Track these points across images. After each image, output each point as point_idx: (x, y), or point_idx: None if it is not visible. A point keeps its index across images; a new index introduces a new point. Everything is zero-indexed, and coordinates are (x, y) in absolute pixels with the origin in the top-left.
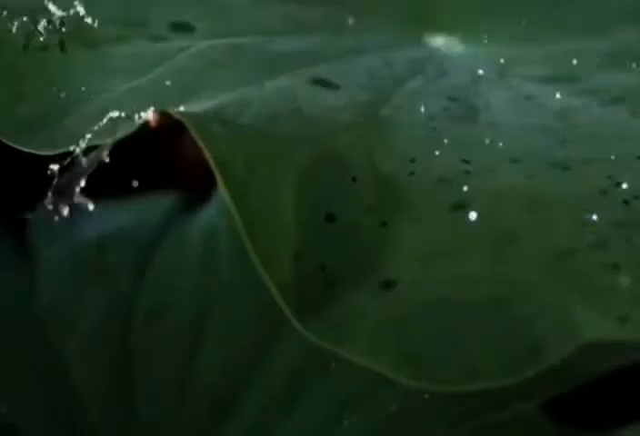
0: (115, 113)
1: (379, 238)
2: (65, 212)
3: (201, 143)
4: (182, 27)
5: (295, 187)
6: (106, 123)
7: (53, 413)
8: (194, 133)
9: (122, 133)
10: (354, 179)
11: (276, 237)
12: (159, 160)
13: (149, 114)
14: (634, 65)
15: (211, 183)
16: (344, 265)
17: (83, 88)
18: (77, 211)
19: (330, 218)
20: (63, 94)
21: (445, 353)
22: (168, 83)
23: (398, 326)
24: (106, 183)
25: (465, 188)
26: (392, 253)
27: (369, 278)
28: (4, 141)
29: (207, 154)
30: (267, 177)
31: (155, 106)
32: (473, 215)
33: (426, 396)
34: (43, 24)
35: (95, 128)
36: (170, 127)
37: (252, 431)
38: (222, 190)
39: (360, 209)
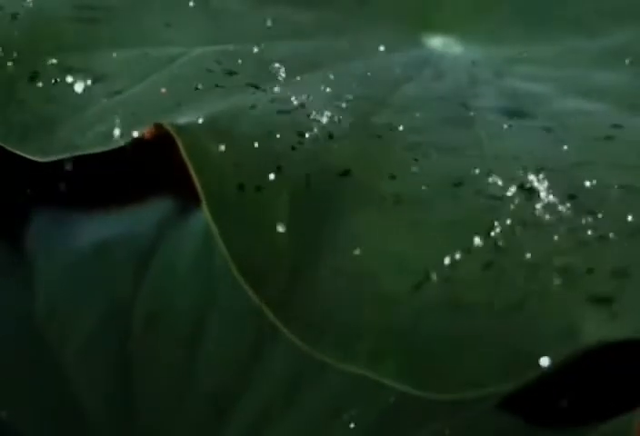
0: (109, 123)
1: (377, 248)
2: (63, 218)
3: (190, 167)
4: (177, 33)
5: (288, 208)
6: (101, 133)
7: (53, 417)
8: (185, 155)
9: (115, 144)
10: (351, 191)
11: (269, 258)
12: (154, 163)
13: (143, 128)
14: (631, 65)
15: None
16: (340, 281)
17: (77, 96)
18: (75, 217)
19: (325, 234)
20: (56, 102)
21: (445, 361)
22: (163, 90)
23: (398, 335)
24: (103, 190)
25: (465, 193)
26: (390, 263)
27: (368, 290)
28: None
29: (196, 179)
30: (259, 201)
31: (149, 115)
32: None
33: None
34: None
35: (90, 137)
36: (165, 133)
37: (252, 429)
38: (208, 219)
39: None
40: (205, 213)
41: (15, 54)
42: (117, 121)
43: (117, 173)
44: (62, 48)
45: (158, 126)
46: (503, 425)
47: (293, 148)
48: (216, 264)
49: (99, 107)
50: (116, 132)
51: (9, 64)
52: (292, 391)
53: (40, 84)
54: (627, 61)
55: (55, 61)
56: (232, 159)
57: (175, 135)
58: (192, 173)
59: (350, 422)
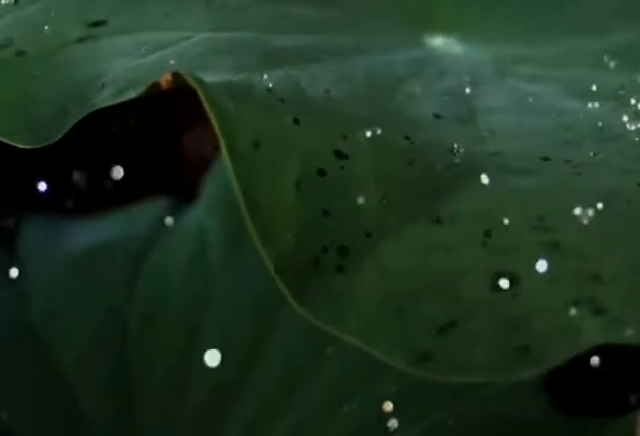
0: (121, 83)
1: (380, 224)
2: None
3: (211, 113)
4: (182, 22)
5: (299, 168)
6: (113, 90)
7: (53, 418)
8: (206, 105)
9: (132, 94)
10: (356, 167)
11: (277, 215)
12: (147, 165)
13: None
14: (631, 65)
15: (198, 184)
16: (344, 247)
17: (84, 75)
18: (68, 220)
19: (332, 200)
20: (64, 83)
21: (443, 345)
22: (172, 61)
23: (397, 311)
24: (97, 192)
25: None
26: (392, 239)
27: (368, 261)
28: (13, 143)
29: (215, 124)
30: (272, 154)
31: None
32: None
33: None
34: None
35: (103, 96)
36: (160, 131)
37: (252, 425)
38: (226, 161)
39: (362, 196)
40: (224, 161)
41: (23, 47)
42: (129, 81)
43: (111, 175)
44: (66, 39)
45: (177, 76)
46: (504, 416)
47: (303, 121)
48: (210, 260)
49: (109, 77)
50: (129, 88)
51: (17, 57)
52: (291, 384)
53: (46, 70)
54: (628, 60)
55: (59, 50)
56: (246, 118)
57: (194, 85)
58: (213, 122)
59: (351, 415)
